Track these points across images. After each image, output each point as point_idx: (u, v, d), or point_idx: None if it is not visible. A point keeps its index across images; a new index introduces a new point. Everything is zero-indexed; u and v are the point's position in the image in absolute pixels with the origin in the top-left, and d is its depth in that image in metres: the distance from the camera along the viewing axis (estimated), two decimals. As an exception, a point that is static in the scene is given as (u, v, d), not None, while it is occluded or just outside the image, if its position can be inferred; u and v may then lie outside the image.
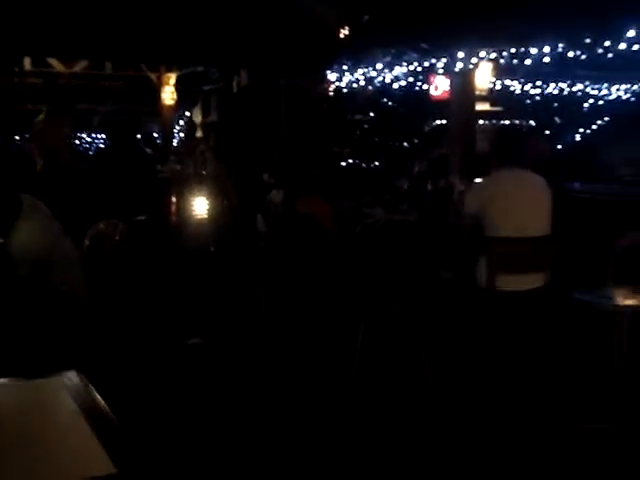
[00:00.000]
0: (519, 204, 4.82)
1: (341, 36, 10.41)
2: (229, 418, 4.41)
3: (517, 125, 10.43)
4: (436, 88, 12.10)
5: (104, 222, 6.64)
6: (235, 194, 8.73)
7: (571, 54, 8.05)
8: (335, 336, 5.60)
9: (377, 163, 12.61)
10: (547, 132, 14.88)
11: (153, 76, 13.90)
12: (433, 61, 9.21)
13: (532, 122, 14.36)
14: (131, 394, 3.99)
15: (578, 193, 7.36)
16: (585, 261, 5.20)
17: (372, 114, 15.39)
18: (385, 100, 14.53)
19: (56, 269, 4.99)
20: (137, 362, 4.99)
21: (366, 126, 15.71)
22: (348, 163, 11.86)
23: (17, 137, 10.24)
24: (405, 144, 15.50)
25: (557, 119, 17.03)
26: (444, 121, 14.09)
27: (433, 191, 7.21)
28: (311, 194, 6.76)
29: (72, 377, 2.20)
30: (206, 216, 9.51)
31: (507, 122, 12.58)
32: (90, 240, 6.31)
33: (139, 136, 11.48)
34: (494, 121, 13.12)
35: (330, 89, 12.84)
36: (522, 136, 4.85)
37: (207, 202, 9.53)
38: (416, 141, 15.68)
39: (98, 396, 2.06)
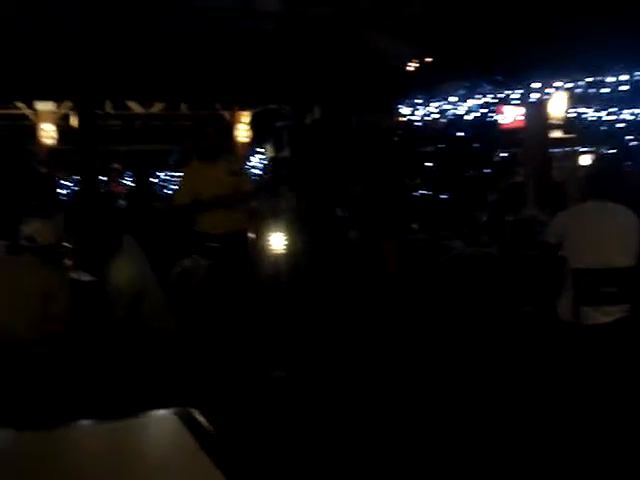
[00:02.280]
0: (605, 236, 4.78)
1: (411, 69, 10.54)
2: (319, 452, 4.44)
3: (613, 157, 10.27)
4: (505, 117, 12.09)
5: (188, 259, 6.83)
6: (313, 229, 8.85)
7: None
8: (418, 370, 5.60)
9: (447, 194, 12.60)
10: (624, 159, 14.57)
11: (227, 114, 14.21)
12: (507, 92, 9.22)
13: (608, 150, 14.12)
14: (219, 427, 4.05)
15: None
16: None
17: (442, 145, 15.38)
18: (455, 131, 14.52)
19: (147, 306, 5.17)
20: (224, 395, 5.07)
21: (435, 157, 15.71)
22: (422, 194, 11.86)
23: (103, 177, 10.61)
24: (475, 173, 15.40)
25: (632, 145, 16.69)
26: (513, 150, 13.99)
27: (513, 222, 7.16)
28: (384, 232, 6.86)
29: (186, 412, 2.24)
30: (284, 251, 9.65)
31: (605, 152, 12.37)
32: (176, 277, 6.48)
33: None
34: (567, 149, 12.99)
35: (400, 122, 12.92)
36: (618, 169, 4.80)
37: (284, 237, 9.67)
38: (486, 170, 15.58)
39: (215, 431, 2.09)
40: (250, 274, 9.39)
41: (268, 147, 16.09)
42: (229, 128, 14.16)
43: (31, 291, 4.53)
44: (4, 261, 5.43)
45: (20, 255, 4.92)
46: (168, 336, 5.09)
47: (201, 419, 2.17)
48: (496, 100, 9.95)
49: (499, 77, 9.12)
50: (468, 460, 4.26)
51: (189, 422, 2.13)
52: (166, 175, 15.43)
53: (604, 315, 4.72)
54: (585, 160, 12.34)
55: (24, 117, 13.40)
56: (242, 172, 6.78)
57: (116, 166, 13.44)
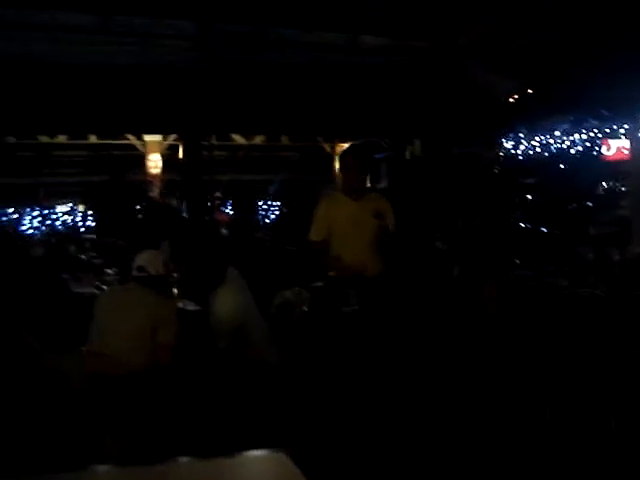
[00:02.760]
0: None
1: (512, 101, 10.45)
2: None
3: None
4: (608, 149, 11.80)
5: (289, 290, 6.90)
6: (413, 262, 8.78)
7: None
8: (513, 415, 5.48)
9: (547, 228, 12.36)
10: None
11: (327, 146, 14.39)
12: (614, 127, 9.03)
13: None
14: (327, 463, 4.06)
15: None
16: None
17: (544, 177, 15.12)
18: (558, 163, 14.27)
19: (249, 337, 5.23)
20: (329, 429, 5.07)
21: (537, 190, 15.45)
22: (524, 227, 11.67)
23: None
24: (577, 206, 15.08)
25: None
26: (618, 183, 13.63)
27: (621, 261, 6.95)
28: (485, 268, 6.78)
29: (281, 457, 2.16)
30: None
31: None
32: (277, 308, 6.53)
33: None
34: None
35: (502, 155, 12.80)
36: None
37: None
38: (589, 204, 15.23)
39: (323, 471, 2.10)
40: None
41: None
42: (329, 160, 14.34)
43: (144, 322, 4.66)
44: (117, 292, 5.60)
45: (131, 285, 5.07)
46: (271, 368, 5.15)
47: (292, 463, 2.16)
48: (600, 135, 9.73)
49: (604, 111, 8.93)
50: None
51: (282, 465, 2.11)
52: (265, 204, 15.71)
53: None
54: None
55: (133, 147, 13.94)
56: (388, 215, 5.63)
57: (218, 195, 13.79)
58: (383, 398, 5.89)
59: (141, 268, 4.96)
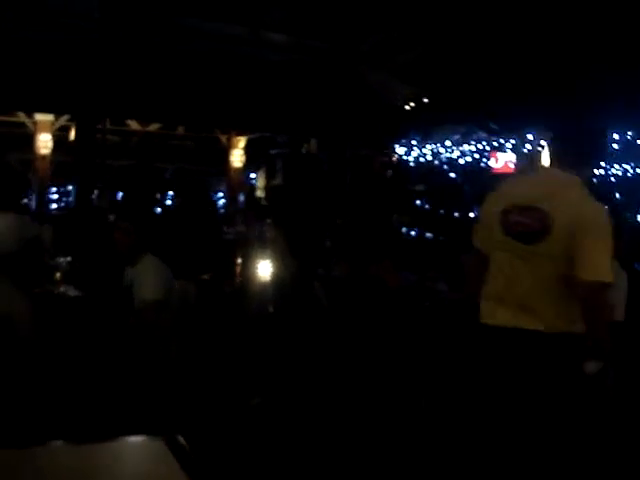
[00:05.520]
0: None
1: (407, 108, 10.74)
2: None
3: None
4: (496, 161, 12.29)
5: (177, 282, 6.84)
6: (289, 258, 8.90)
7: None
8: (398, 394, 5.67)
9: (433, 235, 12.75)
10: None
11: (223, 138, 14.32)
12: (502, 141, 9.41)
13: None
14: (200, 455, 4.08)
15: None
16: None
17: (434, 185, 15.58)
18: (447, 172, 14.73)
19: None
20: (204, 422, 5.10)
21: (426, 197, 15.90)
22: (409, 233, 11.99)
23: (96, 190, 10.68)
24: (463, 215, 15.60)
25: (618, 198, 16.96)
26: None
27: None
28: (382, 260, 6.96)
29: (173, 440, 2.22)
30: (268, 279, 9.73)
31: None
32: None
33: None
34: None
35: (393, 160, 13.11)
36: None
37: (270, 265, 9.76)
38: (474, 214, 15.76)
39: (199, 458, 2.12)
40: (233, 300, 9.50)
41: (260, 174, 16.22)
42: (225, 152, 14.27)
43: None
44: None
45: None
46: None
47: (186, 445, 2.19)
48: (489, 148, 10.13)
49: (494, 125, 9.30)
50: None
51: (174, 448, 2.13)
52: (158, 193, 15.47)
53: None
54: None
55: (23, 125, 13.47)
56: None
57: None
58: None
59: None
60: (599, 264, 3.13)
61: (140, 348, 4.62)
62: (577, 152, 3.37)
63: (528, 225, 3.23)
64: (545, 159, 10.52)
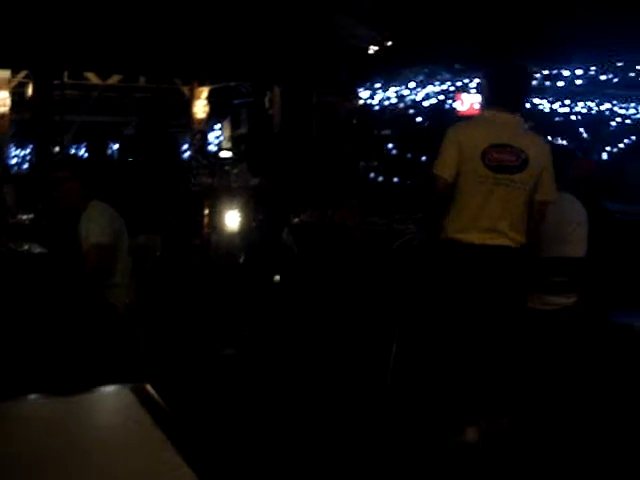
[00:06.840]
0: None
1: (371, 52, 10.61)
2: (265, 428, 4.49)
3: (560, 145, 10.38)
4: (462, 103, 12.21)
5: (144, 236, 6.77)
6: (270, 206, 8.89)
7: (603, 77, 8.14)
8: (367, 344, 5.71)
9: (400, 179, 12.74)
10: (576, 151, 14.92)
11: (185, 89, 14.08)
12: (466, 81, 9.34)
13: (561, 141, 14.41)
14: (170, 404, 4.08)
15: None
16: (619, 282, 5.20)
17: (399, 129, 15.51)
18: (413, 116, 14.65)
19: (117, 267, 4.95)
20: (175, 372, 5.10)
21: (393, 141, 15.84)
22: (376, 178, 11.97)
23: (57, 148, 10.46)
24: (430, 159, 15.54)
25: (584, 137, 17.06)
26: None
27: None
28: (346, 204, 6.96)
29: (141, 388, 2.21)
30: (236, 229, 9.70)
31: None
32: (131, 253, 6.36)
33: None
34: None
35: (360, 105, 12.99)
36: (566, 157, 4.84)
37: (237, 215, 9.72)
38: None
39: (168, 407, 2.10)
40: (201, 251, 9.45)
41: (225, 124, 16.04)
42: (187, 104, 14.05)
43: None
44: None
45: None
46: (117, 312, 5.03)
47: (154, 394, 2.18)
48: (454, 88, 10.05)
49: (458, 65, 9.22)
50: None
51: (143, 397, 2.15)
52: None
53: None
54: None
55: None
56: None
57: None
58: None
59: None
60: (551, 189, 4.02)
61: (90, 294, 4.60)
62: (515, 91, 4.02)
63: (509, 160, 3.87)
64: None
